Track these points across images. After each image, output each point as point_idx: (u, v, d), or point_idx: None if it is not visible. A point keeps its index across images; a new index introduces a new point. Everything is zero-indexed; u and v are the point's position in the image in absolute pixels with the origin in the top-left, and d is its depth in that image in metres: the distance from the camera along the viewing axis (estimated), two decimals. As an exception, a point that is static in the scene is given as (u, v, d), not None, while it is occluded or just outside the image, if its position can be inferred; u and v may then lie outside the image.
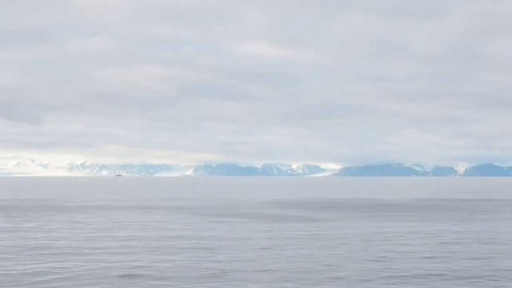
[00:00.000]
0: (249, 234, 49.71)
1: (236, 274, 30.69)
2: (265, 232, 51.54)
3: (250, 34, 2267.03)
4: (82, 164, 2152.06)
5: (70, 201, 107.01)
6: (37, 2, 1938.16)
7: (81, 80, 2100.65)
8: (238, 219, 65.91)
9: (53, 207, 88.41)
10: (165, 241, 44.69)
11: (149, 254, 37.69)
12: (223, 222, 61.14)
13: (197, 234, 49.58)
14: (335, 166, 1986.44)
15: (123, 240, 44.76)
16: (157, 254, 37.52)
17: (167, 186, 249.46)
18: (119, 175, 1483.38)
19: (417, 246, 41.95)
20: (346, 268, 32.53)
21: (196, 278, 29.74)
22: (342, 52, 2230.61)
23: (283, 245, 42.14)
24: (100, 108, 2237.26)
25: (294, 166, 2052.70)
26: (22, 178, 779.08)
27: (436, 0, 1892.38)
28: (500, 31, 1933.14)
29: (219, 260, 34.81)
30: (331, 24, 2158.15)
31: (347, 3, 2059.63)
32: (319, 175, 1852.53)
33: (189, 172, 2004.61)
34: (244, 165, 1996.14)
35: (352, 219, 66.31)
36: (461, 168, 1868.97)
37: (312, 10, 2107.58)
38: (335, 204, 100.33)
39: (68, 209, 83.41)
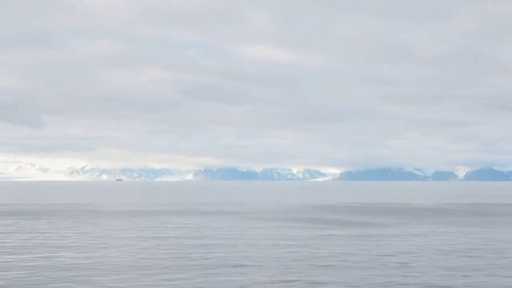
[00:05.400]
0: (345, 233, 50.00)
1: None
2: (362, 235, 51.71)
3: (255, 37, 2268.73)
4: (82, 169, 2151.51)
5: (111, 206, 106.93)
6: (41, 4, 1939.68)
7: (84, 83, 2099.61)
8: (306, 224, 66.14)
9: (104, 212, 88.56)
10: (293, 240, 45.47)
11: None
12: (296, 228, 61.28)
13: (298, 235, 49.89)
14: (335, 171, 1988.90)
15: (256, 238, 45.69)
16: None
17: (183, 191, 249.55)
18: (120, 180, 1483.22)
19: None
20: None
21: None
22: (347, 55, 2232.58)
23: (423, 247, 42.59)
24: (103, 111, 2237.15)
25: (294, 171, 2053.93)
26: (24, 182, 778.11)
27: (442, 2, 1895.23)
28: (506, 34, 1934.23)
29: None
30: (336, 26, 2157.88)
31: (352, 5, 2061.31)
32: (320, 179, 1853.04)
33: (189, 176, 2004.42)
34: (245, 170, 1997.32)
35: (414, 223, 66.35)
36: (461, 172, 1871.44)
37: (317, 12, 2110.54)
38: (375, 208, 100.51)
39: (124, 213, 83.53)
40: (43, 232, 54.84)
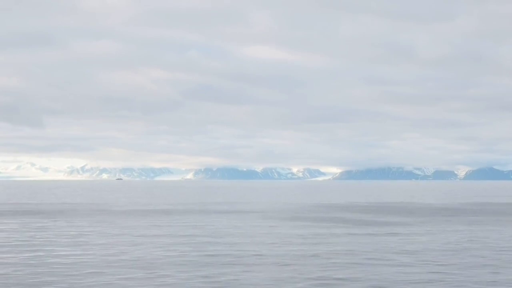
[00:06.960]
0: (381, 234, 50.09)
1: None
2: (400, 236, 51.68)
3: (256, 37, 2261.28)
4: (82, 168, 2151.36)
5: (123, 205, 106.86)
6: (41, 4, 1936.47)
7: (85, 83, 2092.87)
8: (326, 223, 66.21)
9: (120, 211, 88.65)
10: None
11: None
12: (318, 227, 61.32)
13: (323, 234, 49.93)
14: (336, 170, 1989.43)
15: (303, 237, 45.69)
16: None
17: (187, 190, 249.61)
18: (120, 179, 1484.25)
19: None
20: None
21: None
22: (349, 55, 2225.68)
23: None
24: (103, 111, 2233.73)
25: (294, 170, 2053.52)
26: (25, 182, 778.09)
27: (444, 3, 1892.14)
28: (507, 35, 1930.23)
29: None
30: (338, 26, 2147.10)
31: (355, 6, 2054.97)
32: (320, 178, 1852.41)
33: (189, 175, 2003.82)
34: (245, 169, 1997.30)
35: (433, 222, 66.37)
36: (461, 172, 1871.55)
37: (319, 13, 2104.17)
38: (387, 208, 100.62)
39: (139, 212, 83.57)
40: (71, 230, 54.91)
